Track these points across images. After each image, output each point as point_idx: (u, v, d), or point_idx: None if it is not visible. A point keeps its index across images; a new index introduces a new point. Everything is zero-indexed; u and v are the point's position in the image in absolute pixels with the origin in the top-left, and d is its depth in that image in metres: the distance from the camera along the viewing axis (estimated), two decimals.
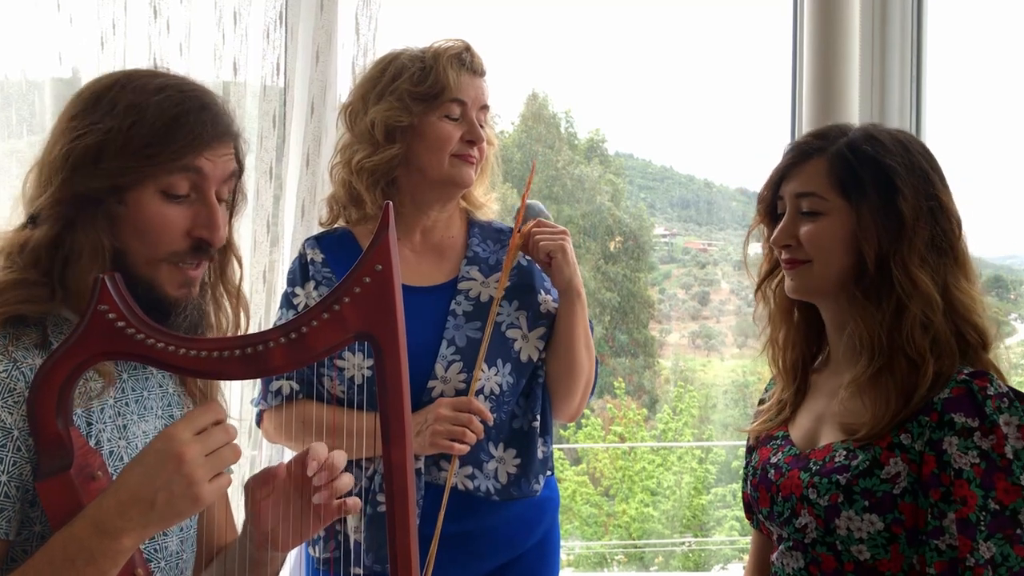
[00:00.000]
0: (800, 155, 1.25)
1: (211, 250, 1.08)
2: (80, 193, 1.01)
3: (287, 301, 1.62)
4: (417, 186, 1.60)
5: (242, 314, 1.19)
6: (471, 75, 1.59)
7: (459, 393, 1.53)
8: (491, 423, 1.53)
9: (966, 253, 1.21)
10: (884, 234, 1.18)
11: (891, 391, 1.15)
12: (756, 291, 1.37)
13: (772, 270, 1.34)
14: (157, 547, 1.08)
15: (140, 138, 1.01)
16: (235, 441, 0.95)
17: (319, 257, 1.62)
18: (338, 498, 1.06)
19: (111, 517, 0.89)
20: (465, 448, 1.49)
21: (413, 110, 1.55)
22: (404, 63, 1.58)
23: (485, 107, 1.61)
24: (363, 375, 1.50)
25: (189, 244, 1.06)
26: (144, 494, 0.88)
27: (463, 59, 1.58)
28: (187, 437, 0.90)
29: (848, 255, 1.20)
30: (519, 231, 1.59)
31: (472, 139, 1.57)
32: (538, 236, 1.56)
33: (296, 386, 1.57)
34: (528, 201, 1.63)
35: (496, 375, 1.55)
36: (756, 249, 1.40)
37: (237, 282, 1.19)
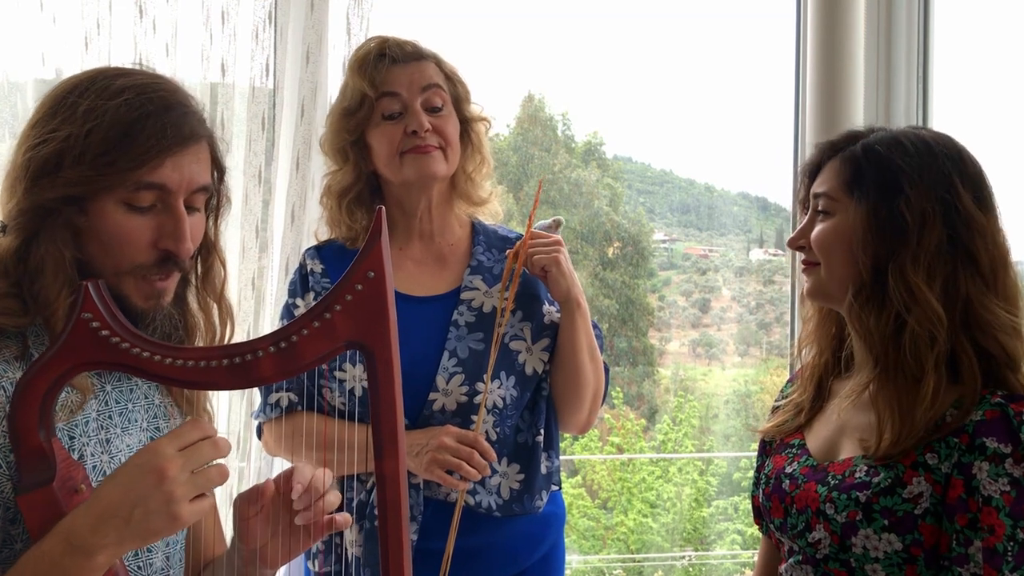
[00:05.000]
0: (823, 153, 1.24)
1: (180, 262, 1.04)
2: (40, 204, 0.98)
3: (288, 312, 1.59)
4: (395, 192, 1.58)
5: (228, 321, 1.16)
6: (398, 65, 1.53)
7: (460, 406, 1.49)
8: (496, 461, 1.50)
9: (1000, 268, 1.14)
10: (881, 239, 1.14)
11: (893, 405, 1.12)
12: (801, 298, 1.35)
13: None
14: (142, 563, 1.06)
15: (96, 146, 0.98)
16: (223, 460, 0.91)
17: (319, 268, 1.59)
18: (328, 515, 1.03)
19: (85, 533, 0.85)
20: (465, 485, 1.45)
21: (348, 127, 1.54)
22: (343, 82, 1.58)
23: (433, 86, 1.54)
24: (363, 387, 1.47)
25: (155, 256, 1.03)
26: (120, 509, 0.85)
27: (383, 53, 1.54)
28: (171, 452, 0.87)
29: (851, 260, 1.17)
30: (515, 251, 1.54)
31: (414, 128, 1.52)
32: (531, 250, 1.52)
33: (295, 398, 1.54)
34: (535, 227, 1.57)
35: (500, 388, 1.51)
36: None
37: (220, 286, 1.16)
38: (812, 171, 1.25)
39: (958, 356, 1.12)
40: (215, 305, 1.15)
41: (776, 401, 1.38)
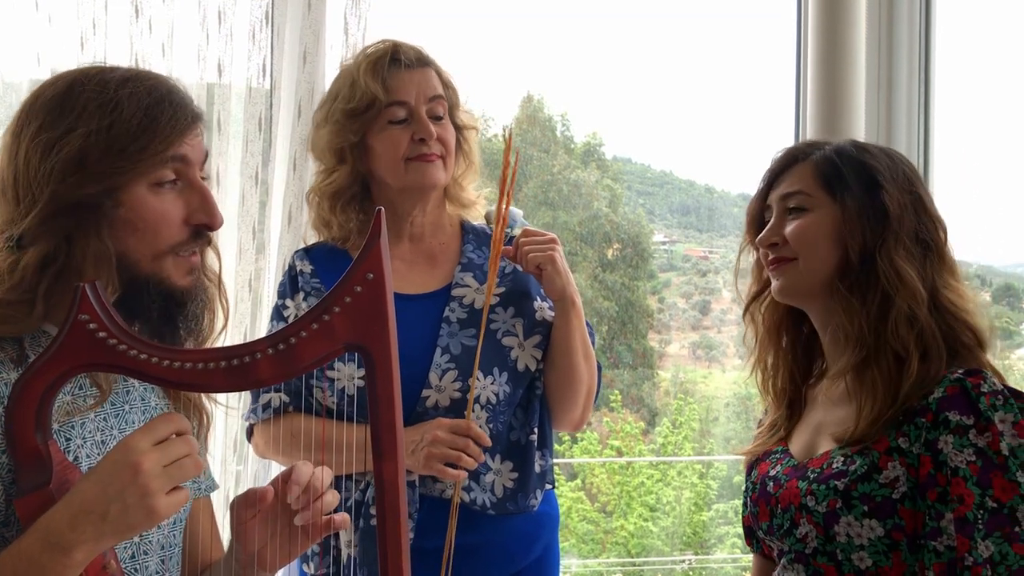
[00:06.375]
0: (786, 161, 1.30)
1: (209, 235, 1.07)
2: (72, 202, 0.98)
3: (278, 314, 1.59)
4: (389, 195, 1.57)
5: (225, 302, 1.17)
6: (408, 71, 1.54)
7: (454, 402, 1.49)
8: (489, 446, 1.49)
9: (951, 256, 1.24)
10: (868, 227, 1.21)
11: (877, 386, 1.16)
12: (744, 312, 1.38)
13: (761, 290, 1.35)
14: (138, 566, 1.05)
15: (124, 135, 0.99)
16: (198, 455, 0.91)
17: (308, 268, 1.59)
18: (326, 515, 1.03)
19: (62, 530, 0.85)
20: (462, 475, 1.45)
21: (352, 128, 1.53)
22: (341, 81, 1.57)
23: (438, 97, 1.56)
24: (355, 386, 1.47)
25: (188, 232, 1.04)
26: (97, 506, 0.85)
27: (395, 58, 1.54)
28: (145, 447, 0.87)
29: (833, 250, 1.23)
30: (499, 238, 1.54)
31: (423, 136, 1.52)
32: (526, 247, 1.51)
33: (286, 398, 1.54)
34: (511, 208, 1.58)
35: (492, 384, 1.51)
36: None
37: (217, 270, 1.16)
38: (772, 178, 1.31)
39: (927, 340, 1.17)
40: (214, 290, 1.15)
41: (757, 427, 1.41)
